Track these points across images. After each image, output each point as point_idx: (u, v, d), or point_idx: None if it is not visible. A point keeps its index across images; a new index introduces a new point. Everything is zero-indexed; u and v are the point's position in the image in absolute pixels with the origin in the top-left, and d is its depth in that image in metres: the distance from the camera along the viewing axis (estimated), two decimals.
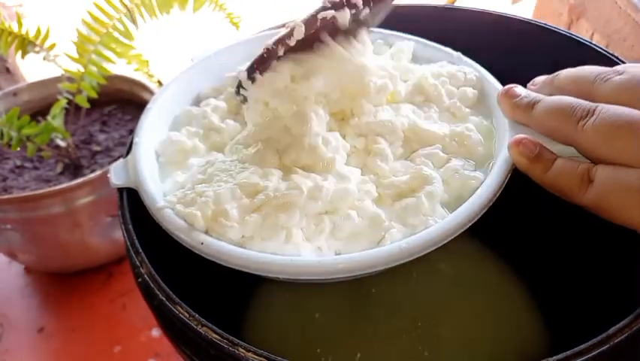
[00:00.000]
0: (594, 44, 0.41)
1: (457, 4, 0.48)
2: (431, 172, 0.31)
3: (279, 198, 0.29)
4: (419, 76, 0.38)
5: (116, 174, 0.34)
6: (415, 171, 0.31)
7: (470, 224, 0.29)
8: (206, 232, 0.30)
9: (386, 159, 0.32)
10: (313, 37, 0.33)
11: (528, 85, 0.34)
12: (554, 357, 0.24)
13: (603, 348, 0.24)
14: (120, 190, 0.34)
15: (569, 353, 0.24)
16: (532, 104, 0.31)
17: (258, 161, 0.33)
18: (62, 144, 0.60)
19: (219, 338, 0.26)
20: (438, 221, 0.29)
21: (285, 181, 0.31)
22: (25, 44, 0.58)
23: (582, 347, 0.24)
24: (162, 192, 0.33)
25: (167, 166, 0.35)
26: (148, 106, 0.38)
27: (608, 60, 0.39)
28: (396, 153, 0.33)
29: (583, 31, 0.65)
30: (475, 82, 0.38)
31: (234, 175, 0.32)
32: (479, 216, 0.29)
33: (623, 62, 0.39)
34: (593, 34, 0.63)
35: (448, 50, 0.41)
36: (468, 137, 0.33)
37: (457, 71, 0.38)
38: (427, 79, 0.37)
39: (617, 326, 0.25)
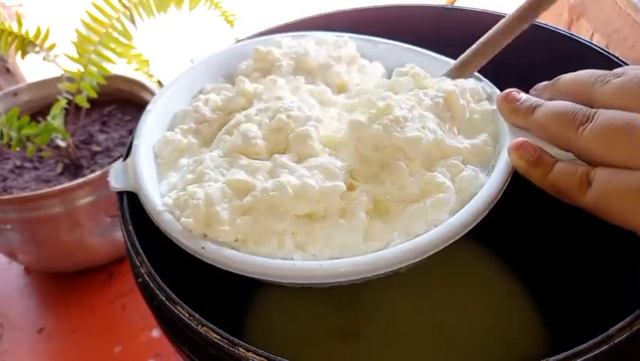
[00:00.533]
0: (594, 44, 0.41)
1: (457, 4, 0.48)
2: (444, 180, 0.30)
3: (267, 201, 0.29)
4: (448, 92, 0.35)
5: (116, 178, 0.34)
6: (427, 178, 0.30)
7: (472, 226, 0.28)
8: (205, 236, 0.29)
9: (401, 176, 0.31)
10: None
11: (530, 91, 0.34)
12: (554, 357, 0.24)
13: (603, 348, 0.24)
14: (120, 192, 0.34)
15: (568, 353, 0.24)
16: (531, 109, 0.31)
17: (242, 148, 0.32)
18: (62, 144, 0.60)
19: (219, 337, 0.26)
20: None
21: (272, 177, 0.30)
22: (25, 44, 0.58)
23: (582, 347, 0.24)
24: (160, 195, 0.33)
25: (164, 167, 0.35)
26: (147, 108, 0.38)
27: (608, 60, 0.39)
28: (414, 169, 0.31)
29: (583, 31, 0.65)
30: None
31: (224, 172, 0.31)
32: (481, 218, 0.29)
33: (624, 62, 0.39)
34: (593, 34, 0.63)
35: (447, 59, 0.40)
36: (488, 150, 0.33)
37: (479, 88, 0.37)
38: (457, 97, 0.34)
39: (617, 326, 0.25)
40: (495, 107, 0.35)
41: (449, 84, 0.36)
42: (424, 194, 0.30)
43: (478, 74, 0.38)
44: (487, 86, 0.37)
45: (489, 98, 0.36)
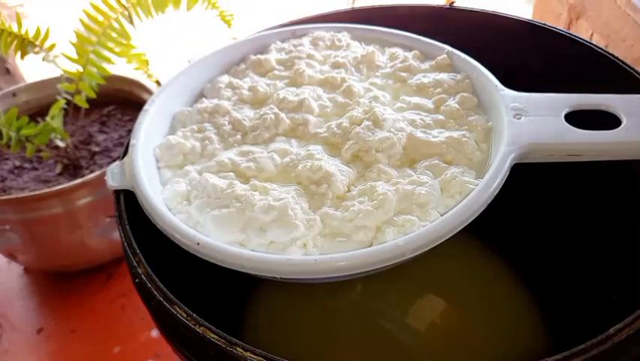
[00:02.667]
0: (594, 44, 0.41)
1: (456, 4, 0.48)
2: (427, 179, 0.31)
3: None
4: (417, 83, 0.38)
5: (113, 177, 0.34)
6: (411, 179, 0.31)
7: (467, 223, 0.28)
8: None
9: (385, 172, 0.32)
10: None
11: None
12: (554, 357, 0.24)
13: (603, 348, 0.24)
14: (117, 191, 0.34)
15: (568, 352, 0.24)
16: None
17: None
18: (61, 144, 0.60)
19: (217, 337, 0.26)
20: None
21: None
22: (25, 45, 0.58)
23: (582, 346, 0.24)
24: (161, 197, 0.33)
25: (166, 171, 0.35)
26: (145, 108, 0.38)
27: (608, 60, 0.39)
28: (394, 166, 0.33)
29: (582, 31, 0.65)
30: (468, 86, 0.37)
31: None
32: (477, 215, 0.29)
33: (623, 62, 0.39)
34: (592, 34, 0.63)
35: (441, 44, 0.41)
36: (465, 143, 0.33)
37: (449, 78, 0.38)
38: (427, 88, 0.37)
39: (617, 326, 0.25)
40: (475, 97, 0.36)
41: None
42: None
43: (465, 58, 0.39)
44: (465, 75, 0.38)
45: (468, 87, 0.37)
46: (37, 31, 0.59)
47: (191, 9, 0.57)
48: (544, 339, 0.44)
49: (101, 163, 0.62)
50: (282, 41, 0.44)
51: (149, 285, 0.29)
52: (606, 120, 0.32)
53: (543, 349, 0.43)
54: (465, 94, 0.36)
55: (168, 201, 0.32)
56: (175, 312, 0.27)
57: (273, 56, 0.42)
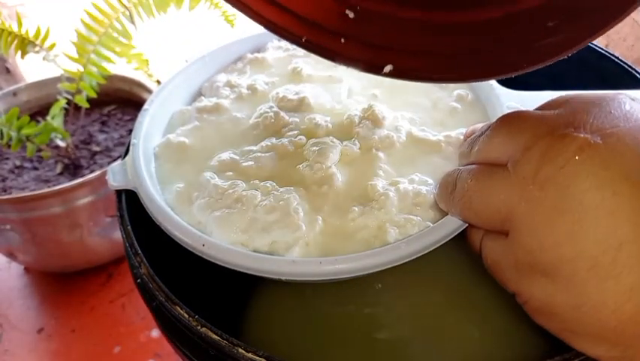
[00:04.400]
0: (594, 44, 0.41)
1: None
2: (427, 178, 0.31)
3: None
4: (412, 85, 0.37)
5: (114, 176, 0.34)
6: (411, 178, 0.31)
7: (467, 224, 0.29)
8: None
9: (385, 171, 0.32)
10: None
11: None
12: (553, 358, 0.24)
13: None
14: (118, 192, 0.34)
15: (568, 354, 0.24)
16: None
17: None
18: (62, 144, 0.60)
19: (219, 338, 0.26)
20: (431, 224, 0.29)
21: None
22: (25, 44, 0.59)
23: None
24: (163, 197, 0.33)
25: (167, 171, 0.35)
26: (144, 107, 0.38)
27: (608, 60, 0.39)
28: (394, 165, 0.33)
29: None
30: (464, 84, 0.37)
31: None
32: None
33: (623, 62, 0.39)
34: None
35: None
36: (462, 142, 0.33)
37: None
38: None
39: None
40: (471, 93, 0.36)
41: None
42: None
43: None
44: None
45: (469, 89, 0.37)
46: (37, 31, 0.59)
47: (193, 9, 0.57)
48: (543, 340, 0.44)
49: (101, 163, 0.62)
50: (279, 39, 0.44)
51: (151, 285, 0.29)
52: None
53: (542, 349, 0.43)
54: (461, 92, 0.37)
55: (170, 201, 0.32)
56: (177, 313, 0.27)
57: (270, 55, 0.42)
